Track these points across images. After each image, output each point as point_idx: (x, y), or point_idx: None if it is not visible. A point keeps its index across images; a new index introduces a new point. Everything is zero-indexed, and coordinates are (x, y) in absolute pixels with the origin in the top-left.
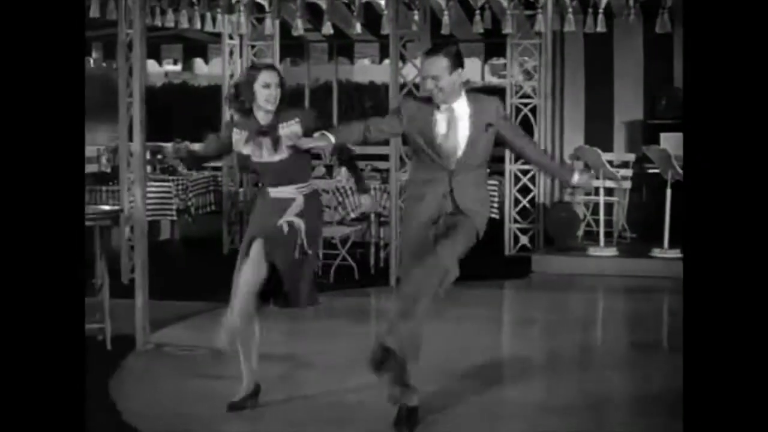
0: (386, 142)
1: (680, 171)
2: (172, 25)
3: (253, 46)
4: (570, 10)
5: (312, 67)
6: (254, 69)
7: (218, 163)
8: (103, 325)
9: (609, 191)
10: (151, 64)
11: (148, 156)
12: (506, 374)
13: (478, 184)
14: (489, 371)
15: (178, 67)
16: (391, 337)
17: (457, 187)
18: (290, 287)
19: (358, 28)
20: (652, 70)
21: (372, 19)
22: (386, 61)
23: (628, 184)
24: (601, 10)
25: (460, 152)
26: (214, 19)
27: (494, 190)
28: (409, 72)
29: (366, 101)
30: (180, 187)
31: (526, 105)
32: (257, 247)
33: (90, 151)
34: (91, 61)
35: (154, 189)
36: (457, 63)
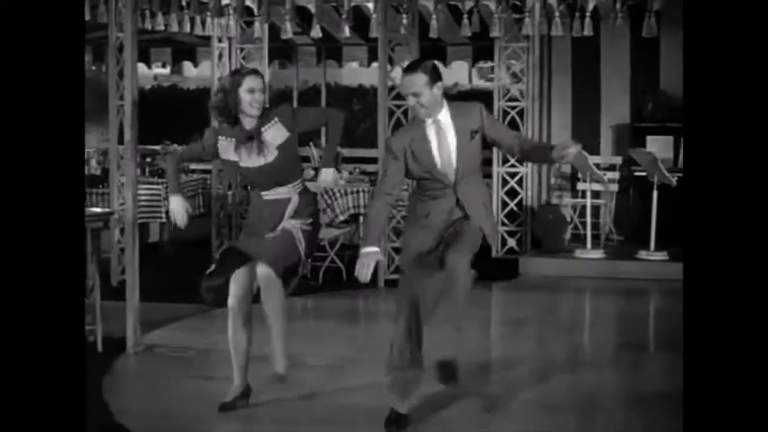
0: (373, 144)
1: (666, 174)
2: (162, 28)
3: (242, 49)
4: (557, 13)
5: (300, 70)
6: (238, 74)
7: (207, 166)
8: (94, 327)
9: (596, 194)
10: (140, 67)
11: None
12: (494, 375)
13: (480, 189)
14: (477, 372)
15: (167, 70)
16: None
17: (463, 197)
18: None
19: (347, 31)
20: (638, 74)
21: (360, 22)
22: (374, 64)
23: (614, 187)
24: (588, 14)
25: (454, 163)
26: (203, 23)
27: None
28: (398, 75)
29: (354, 104)
30: None
31: (513, 108)
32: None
33: None
34: None
35: (143, 191)
36: (436, 77)
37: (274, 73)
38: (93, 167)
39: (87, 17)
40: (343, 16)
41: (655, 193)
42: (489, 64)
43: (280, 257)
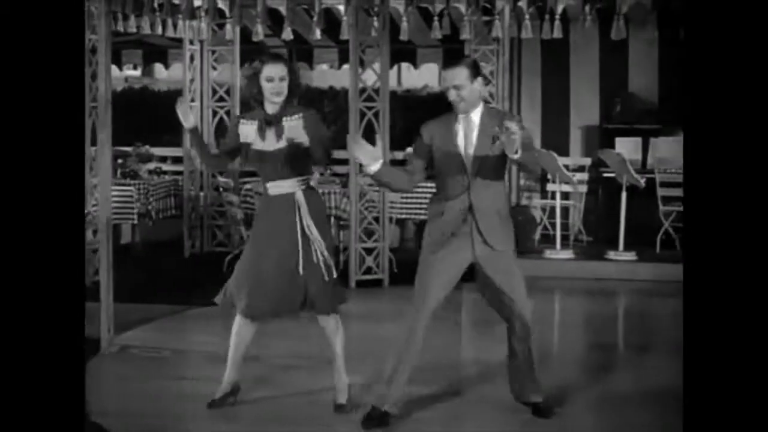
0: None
1: (635, 175)
2: (134, 30)
3: (213, 52)
4: (527, 16)
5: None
6: (258, 62)
7: (180, 168)
8: None
9: (565, 195)
10: (112, 69)
11: None
12: (465, 376)
13: (497, 196)
14: (448, 373)
15: (138, 72)
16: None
17: (477, 201)
18: (314, 292)
19: (318, 34)
20: (607, 76)
21: (331, 24)
22: (345, 66)
23: (584, 188)
24: (557, 17)
25: (471, 161)
26: (175, 25)
27: None
28: (369, 77)
29: (325, 106)
30: (141, 191)
31: None
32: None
33: None
34: None
35: (115, 193)
36: (476, 72)
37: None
38: None
39: None
40: (315, 19)
41: (623, 194)
42: None
43: (329, 293)
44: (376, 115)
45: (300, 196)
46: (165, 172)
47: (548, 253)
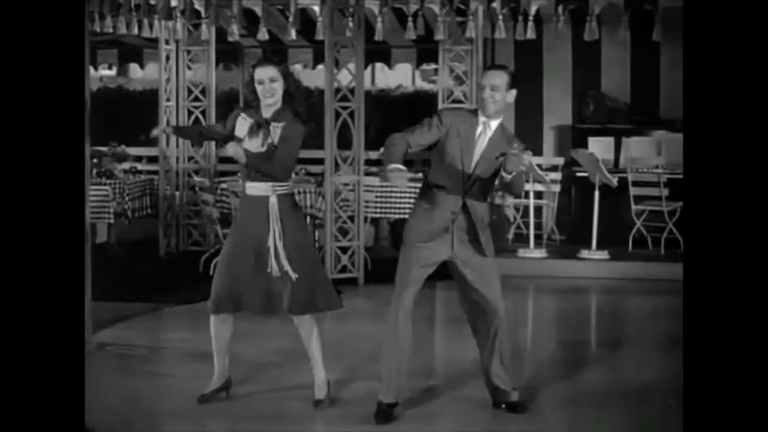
0: (319, 146)
1: (607, 174)
2: (110, 30)
3: (188, 52)
4: (500, 17)
5: (246, 72)
6: (252, 66)
7: (155, 167)
8: None
9: (538, 194)
10: None
11: None
12: (439, 373)
13: (482, 207)
14: (423, 370)
15: (113, 72)
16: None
17: (469, 201)
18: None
19: (293, 34)
20: (580, 76)
21: (306, 24)
22: (320, 67)
23: (556, 188)
24: (530, 18)
25: (473, 164)
26: (150, 25)
27: None
28: (344, 77)
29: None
30: (117, 190)
31: None
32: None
33: None
34: None
35: (91, 192)
36: (514, 84)
37: (220, 75)
38: None
39: None
40: (290, 19)
41: (596, 194)
42: (433, 66)
43: (300, 293)
44: (351, 115)
45: (274, 201)
46: (140, 172)
47: (521, 252)
